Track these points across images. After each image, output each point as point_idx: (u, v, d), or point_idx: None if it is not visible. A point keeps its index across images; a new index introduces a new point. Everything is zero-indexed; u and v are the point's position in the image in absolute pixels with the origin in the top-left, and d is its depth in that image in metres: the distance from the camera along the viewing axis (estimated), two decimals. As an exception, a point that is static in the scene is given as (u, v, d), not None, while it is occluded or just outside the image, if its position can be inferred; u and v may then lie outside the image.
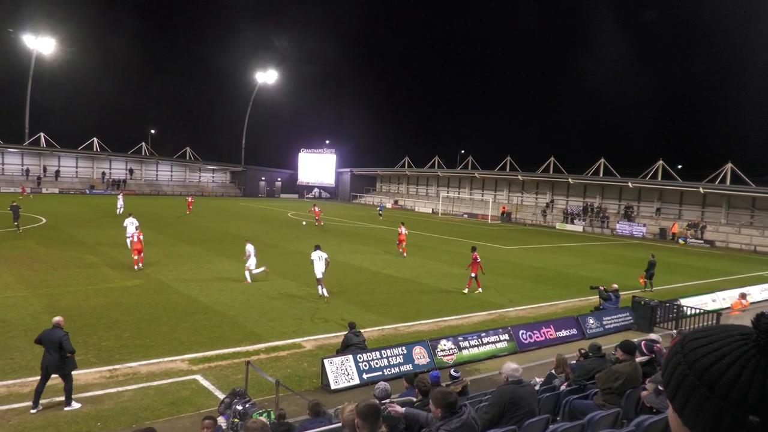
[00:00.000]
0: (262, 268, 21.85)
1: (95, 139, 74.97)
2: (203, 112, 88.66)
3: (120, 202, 44.57)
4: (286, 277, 22.74)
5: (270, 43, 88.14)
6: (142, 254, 22.99)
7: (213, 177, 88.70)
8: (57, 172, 72.95)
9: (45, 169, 72.16)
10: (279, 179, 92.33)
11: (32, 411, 9.98)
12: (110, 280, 20.81)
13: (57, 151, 72.81)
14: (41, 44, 68.58)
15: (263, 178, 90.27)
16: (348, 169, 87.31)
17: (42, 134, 71.07)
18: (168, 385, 11.64)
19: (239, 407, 9.12)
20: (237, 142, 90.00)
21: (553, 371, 10.72)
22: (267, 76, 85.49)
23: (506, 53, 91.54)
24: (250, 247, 21.53)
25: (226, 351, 13.79)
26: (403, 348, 13.33)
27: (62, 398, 10.50)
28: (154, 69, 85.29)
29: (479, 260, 21.83)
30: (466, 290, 21.79)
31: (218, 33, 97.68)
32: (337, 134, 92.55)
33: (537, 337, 15.86)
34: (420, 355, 13.35)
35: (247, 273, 21.39)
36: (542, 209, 64.60)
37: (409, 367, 12.84)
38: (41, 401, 10.20)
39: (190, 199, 52.04)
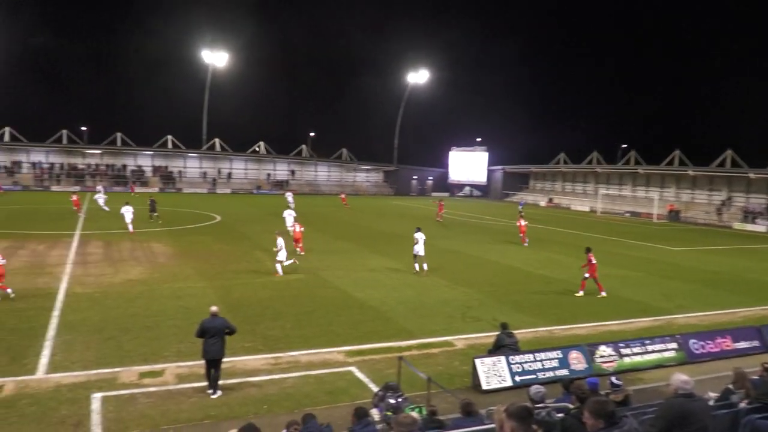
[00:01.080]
0: (291, 260, 22.52)
1: (262, 143, 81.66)
2: (358, 113, 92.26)
3: (290, 198, 49.07)
4: (436, 275, 22.88)
5: (421, 44, 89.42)
6: (301, 243, 26.20)
7: (367, 176, 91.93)
8: (229, 174, 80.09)
9: (219, 172, 79.54)
10: (430, 178, 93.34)
11: (209, 391, 10.96)
12: (274, 273, 22.34)
13: (229, 155, 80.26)
14: (216, 58, 75.62)
15: (415, 177, 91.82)
16: (500, 167, 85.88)
17: (217, 140, 78.61)
18: (326, 374, 12.21)
19: (392, 401, 9.29)
20: (389, 142, 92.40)
21: (730, 386, 9.66)
22: (418, 77, 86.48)
23: (668, 37, 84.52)
24: (280, 241, 21.96)
25: (379, 345, 14.18)
26: (559, 352, 12.81)
27: (234, 381, 11.51)
28: (313, 75, 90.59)
29: (594, 262, 20.56)
30: (580, 293, 20.46)
31: (370, 36, 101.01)
32: (488, 132, 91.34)
33: (711, 348, 14.41)
34: (576, 361, 12.73)
35: (278, 266, 21.84)
36: (717, 207, 58.68)
37: (564, 372, 12.30)
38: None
39: (342, 197, 59.14)
